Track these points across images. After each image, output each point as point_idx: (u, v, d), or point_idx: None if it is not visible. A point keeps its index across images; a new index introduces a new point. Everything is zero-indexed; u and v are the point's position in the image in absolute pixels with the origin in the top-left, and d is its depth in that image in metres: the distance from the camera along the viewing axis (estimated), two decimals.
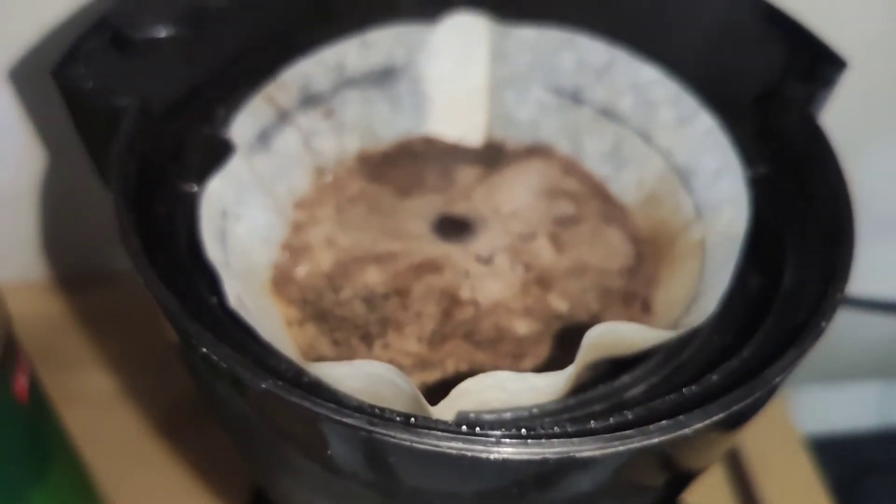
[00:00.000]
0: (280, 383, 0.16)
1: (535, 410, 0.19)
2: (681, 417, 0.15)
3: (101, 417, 0.43)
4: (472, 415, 0.19)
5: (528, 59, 0.29)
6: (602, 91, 0.28)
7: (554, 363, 0.24)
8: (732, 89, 0.28)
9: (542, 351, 0.24)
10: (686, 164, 0.26)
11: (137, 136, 0.23)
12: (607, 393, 0.20)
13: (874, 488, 0.61)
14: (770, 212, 0.24)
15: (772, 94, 0.27)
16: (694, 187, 0.26)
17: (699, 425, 0.16)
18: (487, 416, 0.18)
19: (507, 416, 0.19)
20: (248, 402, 0.18)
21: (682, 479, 0.20)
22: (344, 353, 0.23)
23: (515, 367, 0.24)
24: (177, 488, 0.41)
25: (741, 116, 0.27)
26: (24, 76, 0.37)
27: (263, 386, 0.16)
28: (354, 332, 0.24)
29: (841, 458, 0.61)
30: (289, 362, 0.19)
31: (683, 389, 0.18)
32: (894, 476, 0.62)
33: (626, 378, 0.20)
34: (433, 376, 0.23)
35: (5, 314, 0.30)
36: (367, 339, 0.24)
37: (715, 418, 0.16)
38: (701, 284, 0.23)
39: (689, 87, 0.27)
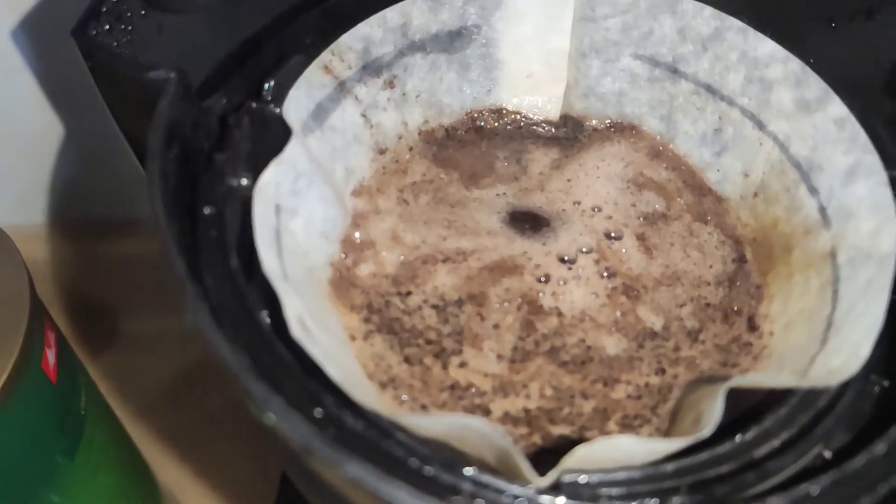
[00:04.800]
0: (367, 466, 0.13)
1: (649, 471, 0.17)
2: None
3: (136, 361, 0.43)
4: (581, 478, 0.16)
5: (621, 22, 0.25)
6: (706, 63, 0.24)
7: (650, 392, 0.21)
8: (858, 69, 0.24)
9: (637, 377, 0.21)
10: (809, 158, 0.22)
11: (177, 119, 0.19)
12: (734, 451, 0.17)
13: None
14: None
15: None
16: (819, 186, 0.22)
17: None
18: (607, 490, 0.15)
19: (620, 476, 0.16)
20: (328, 478, 0.15)
21: None
22: (416, 372, 0.20)
23: (607, 394, 0.21)
24: (211, 431, 0.41)
25: (872, 102, 0.23)
26: (45, 25, 0.34)
27: (351, 474, 0.13)
28: (427, 347, 0.21)
29: None
30: (367, 415, 0.16)
31: (844, 466, 0.15)
32: None
33: (755, 431, 0.17)
34: (516, 404, 0.20)
35: (30, 286, 0.27)
36: (442, 355, 0.21)
37: None
38: (836, 311, 0.19)
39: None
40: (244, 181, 0.20)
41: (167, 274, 0.16)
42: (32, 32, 0.37)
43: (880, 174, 0.21)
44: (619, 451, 0.16)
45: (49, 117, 0.42)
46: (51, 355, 0.29)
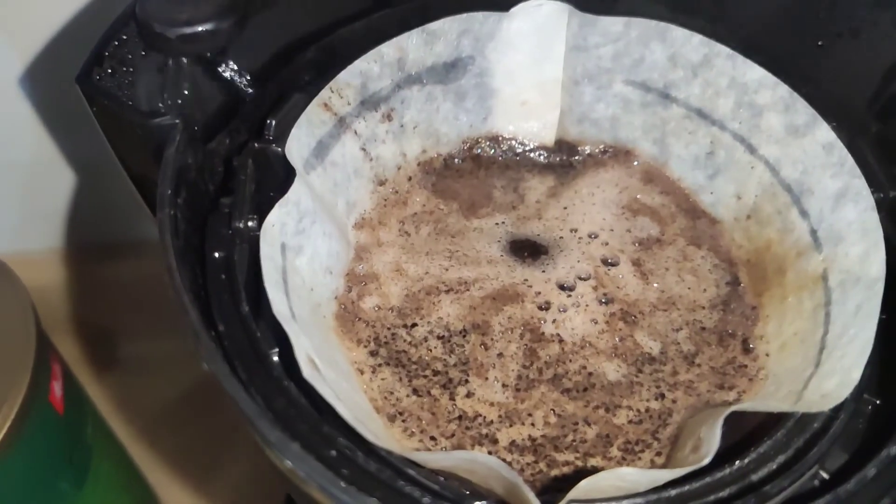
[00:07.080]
0: None
1: (652, 498, 0.17)
2: None
3: (138, 383, 0.43)
4: None
5: (613, 51, 0.25)
6: (697, 89, 0.25)
7: (651, 417, 0.21)
8: (845, 86, 0.25)
9: (638, 402, 0.22)
10: (799, 182, 0.23)
11: (183, 165, 0.20)
12: (733, 475, 0.18)
13: None
14: None
15: (890, 96, 0.24)
16: (810, 209, 0.23)
17: None
18: None
19: None
20: None
21: None
22: (425, 404, 0.21)
23: (609, 420, 0.21)
24: (213, 451, 0.41)
25: (859, 122, 0.24)
26: (40, 53, 0.34)
27: None
28: (434, 378, 0.22)
29: None
30: (379, 453, 0.17)
31: (838, 490, 0.15)
32: None
33: (752, 455, 0.18)
34: (522, 433, 0.21)
35: (35, 321, 0.28)
36: (449, 386, 0.21)
37: None
38: (828, 334, 0.20)
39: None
40: (250, 223, 0.20)
41: (181, 322, 0.16)
42: (36, 69, 0.37)
43: (868, 199, 0.21)
44: (622, 481, 0.17)
45: (45, 144, 0.42)
46: (57, 388, 0.30)
